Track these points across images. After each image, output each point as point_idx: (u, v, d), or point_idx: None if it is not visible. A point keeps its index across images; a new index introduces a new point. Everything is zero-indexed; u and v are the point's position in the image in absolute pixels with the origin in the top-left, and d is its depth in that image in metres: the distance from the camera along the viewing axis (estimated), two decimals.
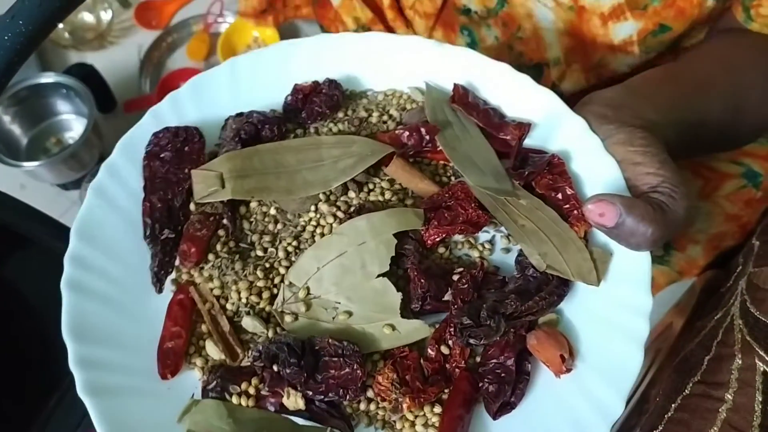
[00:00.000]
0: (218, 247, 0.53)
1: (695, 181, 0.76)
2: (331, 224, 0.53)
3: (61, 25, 1.23)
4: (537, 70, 0.80)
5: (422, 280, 0.50)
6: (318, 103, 0.58)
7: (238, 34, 1.27)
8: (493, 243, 0.55)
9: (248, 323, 0.51)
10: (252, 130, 0.56)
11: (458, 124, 0.57)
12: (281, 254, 0.53)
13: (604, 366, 0.48)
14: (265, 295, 0.51)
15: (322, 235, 0.53)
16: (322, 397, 0.47)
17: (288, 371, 0.47)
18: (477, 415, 0.49)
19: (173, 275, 0.53)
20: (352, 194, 0.54)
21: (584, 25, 0.73)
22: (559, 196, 0.53)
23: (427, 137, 0.55)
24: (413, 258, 0.51)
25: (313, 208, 0.54)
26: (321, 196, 0.54)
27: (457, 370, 0.49)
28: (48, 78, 1.14)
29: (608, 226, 0.49)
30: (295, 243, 0.53)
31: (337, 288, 0.51)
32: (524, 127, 0.56)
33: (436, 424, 0.48)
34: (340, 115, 0.60)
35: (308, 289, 0.51)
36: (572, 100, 0.58)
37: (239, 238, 0.54)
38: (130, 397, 0.48)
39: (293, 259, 0.52)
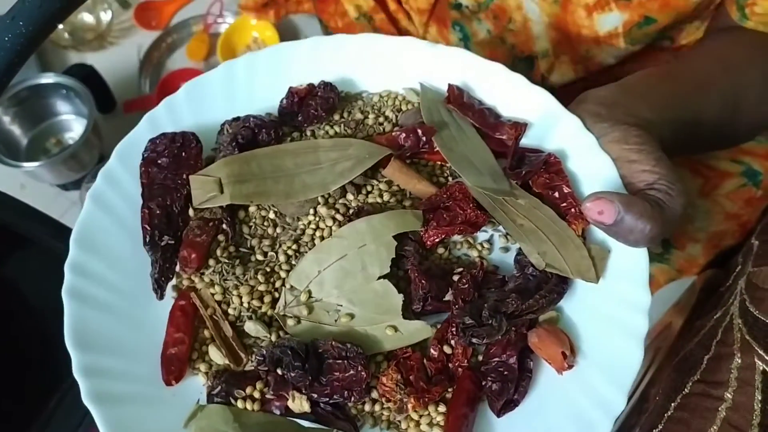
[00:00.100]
0: (218, 252, 0.51)
1: (695, 180, 0.75)
2: (330, 227, 0.52)
3: (60, 26, 1.21)
4: (529, 62, 0.78)
5: (423, 281, 0.49)
6: (314, 106, 0.56)
7: (237, 34, 1.25)
8: (492, 242, 0.54)
9: (251, 327, 0.49)
10: (249, 134, 0.54)
11: (454, 125, 0.55)
12: (282, 258, 0.51)
13: (605, 362, 0.47)
14: (267, 299, 0.50)
15: (322, 238, 0.51)
16: (327, 399, 0.46)
17: (292, 374, 0.45)
18: (481, 414, 0.48)
19: (174, 281, 0.52)
20: (350, 197, 0.53)
21: (569, 17, 0.71)
22: (556, 194, 0.52)
23: (424, 138, 0.54)
24: (413, 259, 0.50)
25: (312, 211, 0.52)
26: (320, 199, 0.53)
27: (460, 369, 0.48)
28: (48, 78, 1.11)
29: (607, 224, 0.47)
30: (295, 246, 0.52)
31: (339, 291, 0.49)
32: (520, 127, 0.54)
33: (441, 423, 0.47)
34: (336, 117, 0.58)
35: (310, 292, 0.50)
36: (561, 92, 0.56)
37: (239, 242, 0.52)
38: (136, 404, 0.47)
39: (294, 262, 0.51)
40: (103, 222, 0.52)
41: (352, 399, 0.46)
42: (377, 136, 0.56)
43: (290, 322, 0.49)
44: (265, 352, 0.47)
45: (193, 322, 0.50)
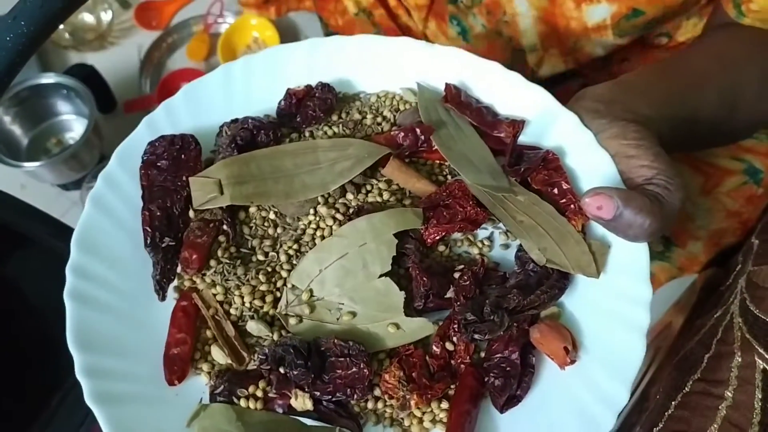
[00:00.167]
0: (219, 253, 0.50)
1: (696, 178, 0.74)
2: (330, 226, 0.51)
3: (61, 26, 1.19)
4: (524, 54, 0.78)
5: (424, 278, 0.48)
6: (312, 107, 0.55)
7: (238, 34, 1.24)
8: (492, 240, 0.53)
9: (253, 327, 0.48)
10: (248, 135, 0.53)
11: (452, 124, 0.54)
12: (282, 258, 0.50)
13: (608, 356, 0.47)
14: (269, 298, 0.49)
15: (322, 237, 0.51)
16: (330, 397, 0.45)
17: (295, 373, 0.45)
18: (484, 410, 0.47)
19: (175, 282, 0.51)
20: (350, 196, 0.52)
21: (558, 9, 0.70)
22: (555, 191, 0.51)
23: (423, 137, 0.53)
24: (414, 257, 0.49)
25: (312, 211, 0.51)
26: (319, 199, 0.52)
27: (462, 365, 0.48)
28: (48, 78, 1.10)
29: (606, 219, 0.46)
30: (295, 246, 0.51)
31: (340, 289, 0.49)
32: (518, 124, 0.53)
33: (444, 420, 0.46)
34: (335, 118, 0.57)
35: (311, 291, 0.49)
36: (558, 92, 0.55)
37: (240, 243, 0.51)
38: (139, 404, 0.46)
39: (294, 262, 0.50)
40: (104, 224, 0.51)
41: (355, 396, 0.45)
42: (376, 135, 0.55)
43: (292, 321, 0.48)
44: (267, 350, 0.46)
45: (195, 323, 0.49)
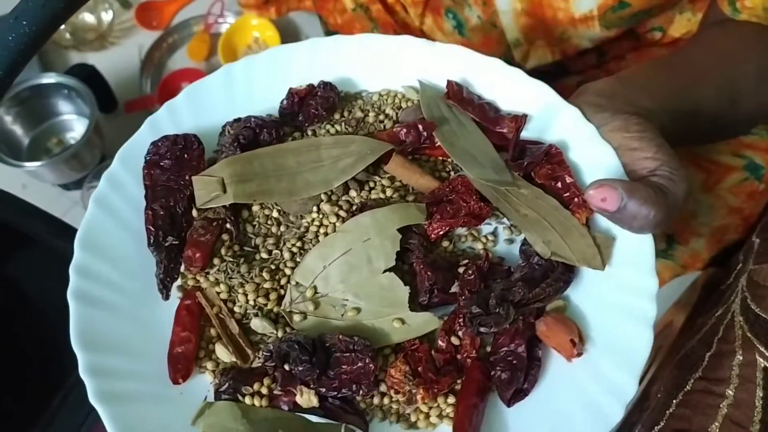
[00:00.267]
0: (223, 251, 0.49)
1: (698, 174, 0.72)
2: (334, 224, 0.49)
3: (62, 26, 1.17)
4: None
5: (429, 273, 0.47)
6: (314, 106, 0.54)
7: (238, 34, 1.22)
8: (496, 235, 0.52)
9: (257, 324, 0.47)
10: (250, 134, 0.52)
11: (454, 120, 0.53)
12: (286, 255, 0.49)
13: (615, 348, 0.46)
14: (273, 296, 0.48)
15: (326, 234, 0.49)
16: (336, 393, 0.44)
17: (300, 369, 0.43)
18: (491, 404, 0.46)
19: (179, 281, 0.50)
20: (353, 193, 0.51)
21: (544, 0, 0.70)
22: (559, 185, 0.50)
23: (425, 134, 0.52)
24: (418, 252, 0.48)
25: (315, 208, 0.50)
26: (323, 197, 0.50)
27: (468, 359, 0.46)
28: (49, 78, 1.09)
29: (610, 211, 0.45)
30: (299, 244, 0.49)
31: (345, 285, 0.47)
32: (521, 119, 0.52)
33: (451, 415, 0.45)
34: (337, 116, 0.56)
35: (315, 288, 0.48)
36: (547, 80, 0.54)
37: (243, 241, 0.50)
38: (143, 403, 0.45)
39: (298, 259, 0.49)
40: (107, 224, 0.50)
41: (361, 392, 0.44)
42: (378, 133, 0.54)
43: (297, 318, 0.47)
44: (271, 347, 0.45)
45: (199, 321, 0.48)
